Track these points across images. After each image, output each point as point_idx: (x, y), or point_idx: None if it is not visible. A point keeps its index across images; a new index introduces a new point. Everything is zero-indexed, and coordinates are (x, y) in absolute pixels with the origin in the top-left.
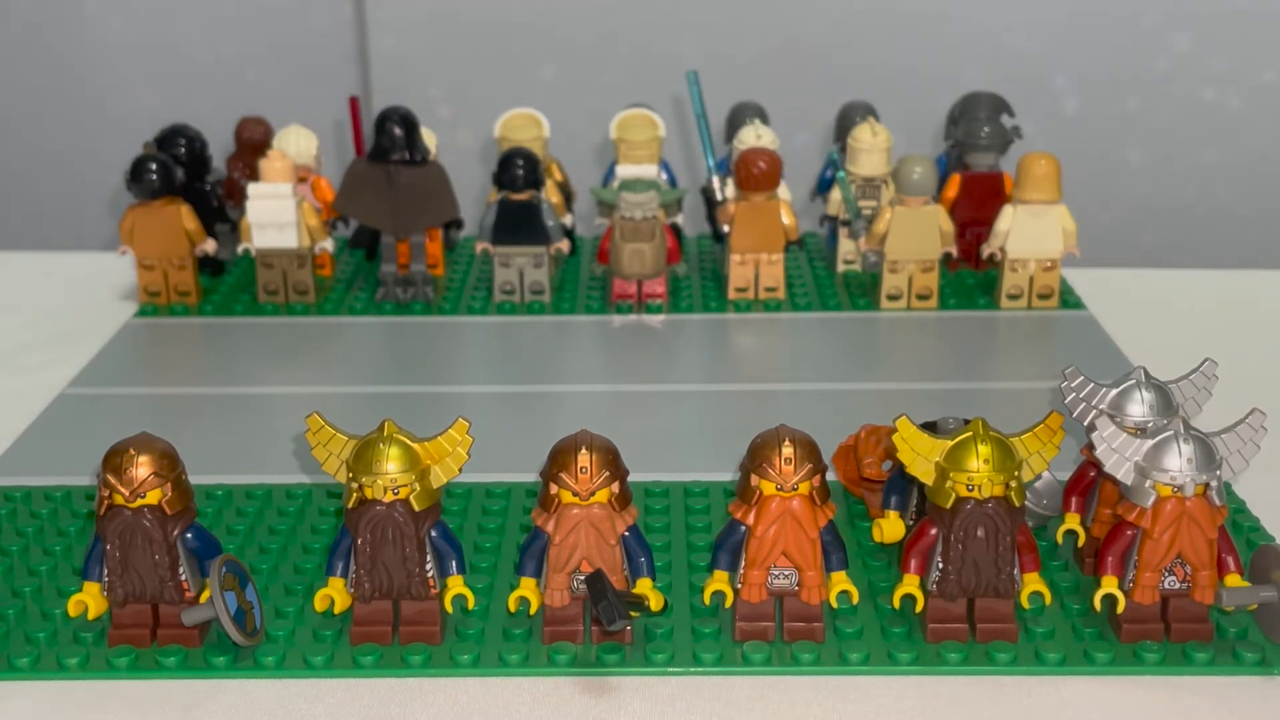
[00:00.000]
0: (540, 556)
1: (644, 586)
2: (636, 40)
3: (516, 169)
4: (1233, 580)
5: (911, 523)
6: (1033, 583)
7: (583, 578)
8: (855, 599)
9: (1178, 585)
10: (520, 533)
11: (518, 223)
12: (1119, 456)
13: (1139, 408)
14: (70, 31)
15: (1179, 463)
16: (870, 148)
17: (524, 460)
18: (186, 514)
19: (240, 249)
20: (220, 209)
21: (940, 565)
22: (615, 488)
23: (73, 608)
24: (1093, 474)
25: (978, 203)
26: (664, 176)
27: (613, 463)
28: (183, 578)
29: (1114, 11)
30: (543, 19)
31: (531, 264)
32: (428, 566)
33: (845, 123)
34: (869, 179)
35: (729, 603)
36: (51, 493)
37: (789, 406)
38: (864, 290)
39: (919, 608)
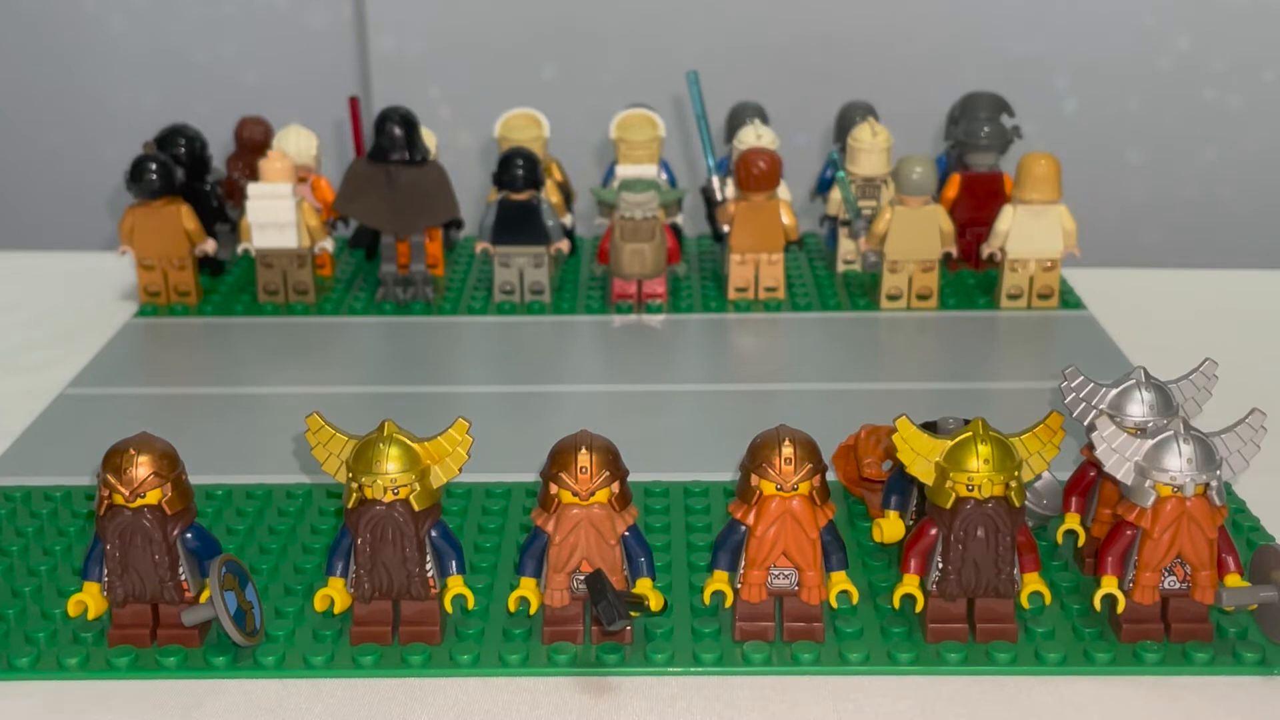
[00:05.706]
0: (540, 556)
1: (644, 586)
2: (636, 40)
3: (516, 169)
4: (1233, 580)
5: (911, 523)
6: (1033, 583)
7: (583, 578)
8: (855, 599)
9: (1178, 585)
10: (520, 533)
11: (518, 223)
12: (1119, 456)
13: (1139, 408)
14: (70, 31)
15: (1179, 463)
16: (870, 148)
17: (524, 460)
18: (186, 514)
19: (240, 249)
20: (220, 209)
21: (940, 565)
22: (615, 488)
23: (73, 608)
24: (1093, 474)
25: (978, 203)
26: (664, 176)
27: (613, 463)
28: (183, 578)
29: (1114, 11)
30: (543, 19)
31: (531, 264)
32: (428, 566)
33: (845, 123)
34: (869, 179)
35: (729, 603)
36: (51, 493)
37: (789, 406)
38: (864, 290)
39: (919, 608)
